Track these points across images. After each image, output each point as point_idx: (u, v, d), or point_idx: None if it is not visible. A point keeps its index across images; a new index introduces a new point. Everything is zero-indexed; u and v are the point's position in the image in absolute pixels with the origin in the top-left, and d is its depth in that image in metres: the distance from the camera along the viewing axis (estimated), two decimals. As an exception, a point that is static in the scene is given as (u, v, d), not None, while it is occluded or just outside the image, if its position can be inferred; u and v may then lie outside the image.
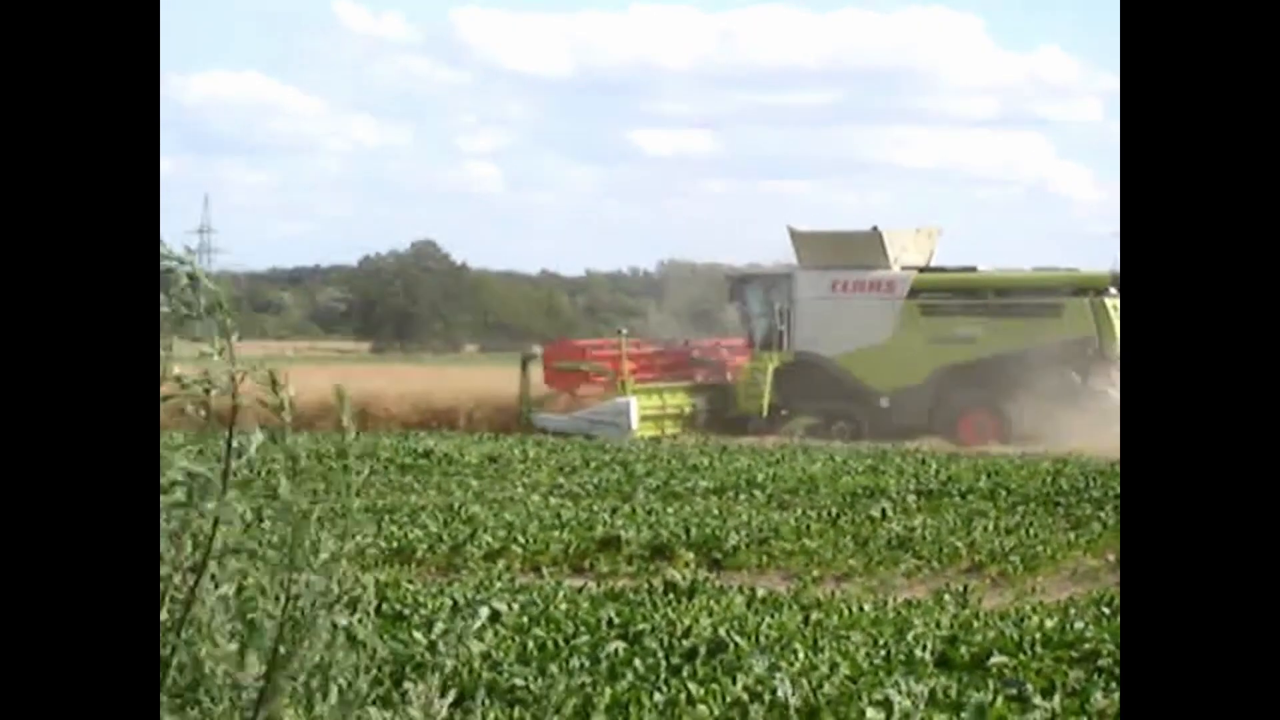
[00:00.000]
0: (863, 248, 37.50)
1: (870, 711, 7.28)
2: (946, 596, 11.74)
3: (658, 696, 7.59)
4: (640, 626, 9.44)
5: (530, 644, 8.85)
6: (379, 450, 24.58)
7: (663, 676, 8.05)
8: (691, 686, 7.71)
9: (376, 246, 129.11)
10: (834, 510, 17.29)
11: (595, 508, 17.49)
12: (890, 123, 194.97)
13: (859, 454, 25.81)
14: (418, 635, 8.70)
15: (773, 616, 10.15)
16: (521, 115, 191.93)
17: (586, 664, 8.35)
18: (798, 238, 38.11)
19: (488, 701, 7.45)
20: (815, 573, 13.55)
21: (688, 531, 15.10)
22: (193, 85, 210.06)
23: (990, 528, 15.87)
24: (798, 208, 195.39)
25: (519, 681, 7.78)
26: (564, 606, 10.33)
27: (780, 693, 7.49)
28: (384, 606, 9.89)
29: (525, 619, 9.75)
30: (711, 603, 10.91)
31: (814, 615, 10.30)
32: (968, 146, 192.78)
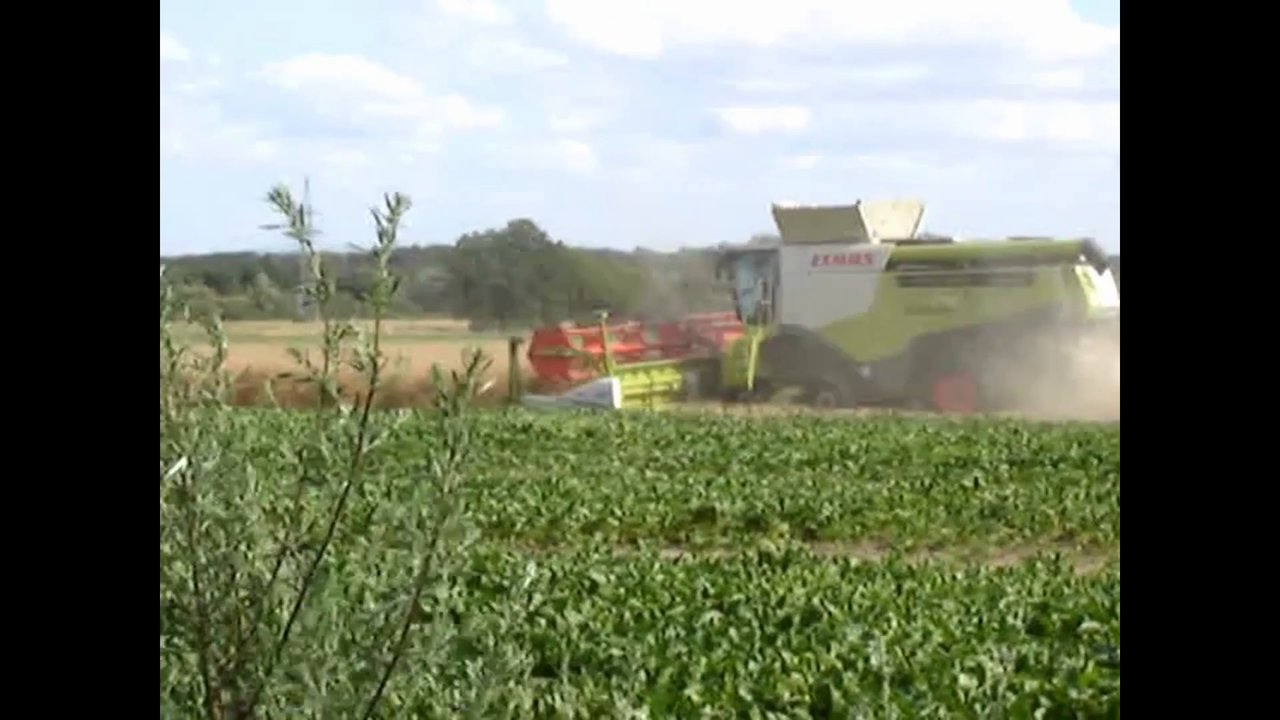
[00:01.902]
0: (842, 222, 38.88)
1: (963, 678, 7.40)
2: (1038, 564, 11.82)
3: (752, 666, 7.73)
4: (735, 597, 9.59)
5: (627, 614, 9.03)
6: (478, 426, 24.88)
7: (757, 646, 8.20)
8: (786, 655, 7.85)
9: (473, 226, 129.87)
10: (926, 480, 17.38)
11: (690, 480, 17.67)
12: (977, 97, 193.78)
13: (951, 425, 25.85)
14: (516, 607, 8.89)
15: (866, 586, 10.27)
16: (612, 94, 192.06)
17: (682, 634, 8.51)
18: (781, 214, 39.58)
19: (582, 671, 7.63)
20: (908, 542, 13.66)
21: (782, 503, 15.24)
22: (291, 69, 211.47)
23: (1081, 496, 15.92)
24: (888, 182, 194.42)
25: (615, 652, 7.96)
26: (660, 577, 10.49)
27: (873, 661, 7.63)
28: (483, 579, 10.10)
29: (622, 590, 9.92)
30: (805, 573, 11.05)
31: (907, 584, 10.42)
32: (1054, 119, 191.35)
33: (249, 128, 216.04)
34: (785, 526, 14.44)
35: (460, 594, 9.56)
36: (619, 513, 14.89)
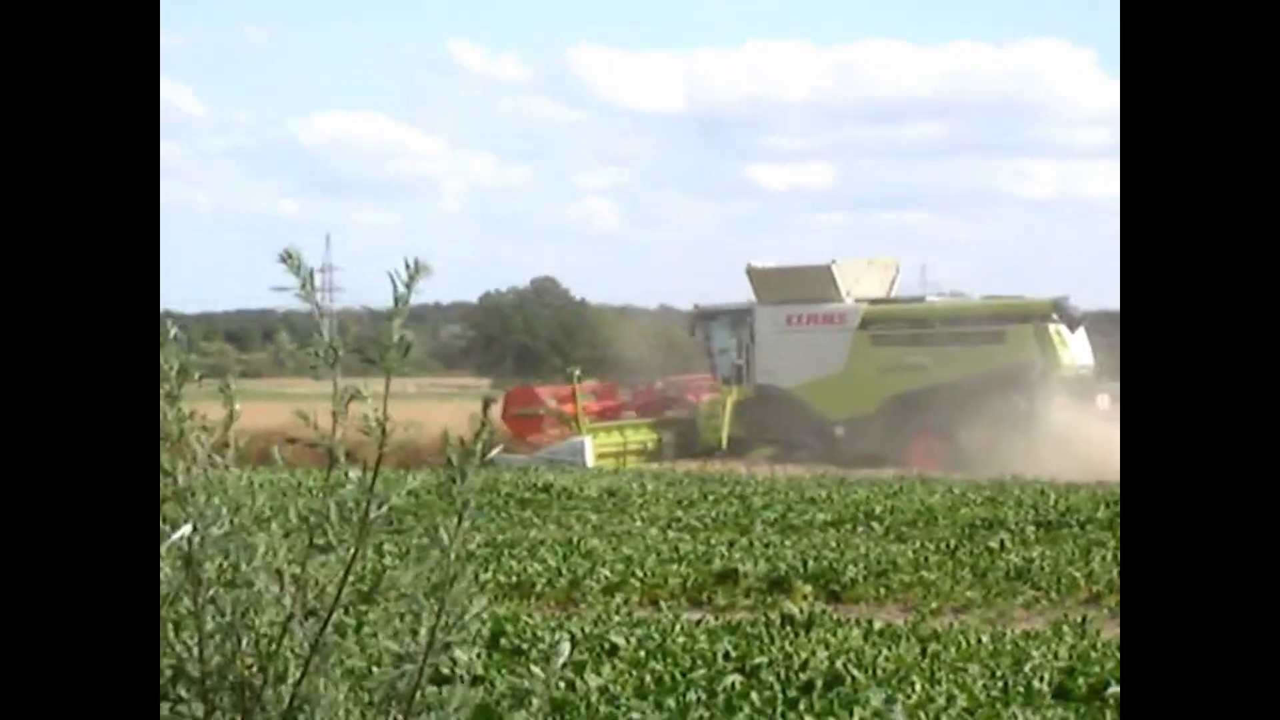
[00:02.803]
0: (815, 282, 39.37)
1: (987, 744, 7.29)
2: (1065, 627, 11.69)
3: (774, 730, 7.63)
4: (757, 660, 9.49)
5: (648, 678, 8.93)
6: (499, 485, 24.79)
7: (779, 710, 8.09)
8: None
9: (497, 283, 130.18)
10: (952, 542, 17.24)
11: (713, 541, 17.54)
12: (1006, 154, 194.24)
13: (977, 486, 25.69)
14: (536, 670, 8.79)
15: (890, 649, 10.16)
16: (638, 152, 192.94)
17: (703, 697, 8.41)
18: (754, 274, 40.18)
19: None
20: (933, 605, 13.53)
21: (805, 564, 15.12)
22: (314, 126, 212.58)
23: (1109, 558, 15.76)
24: (916, 240, 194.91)
25: (635, 716, 7.86)
26: (681, 640, 10.39)
27: (896, 725, 7.53)
28: (502, 641, 10.00)
29: (643, 653, 9.82)
30: (829, 635, 10.93)
31: (931, 647, 10.31)
32: (1083, 177, 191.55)
33: (271, 184, 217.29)
34: (808, 588, 14.31)
35: (480, 656, 9.47)
36: (640, 574, 14.78)
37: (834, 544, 17.25)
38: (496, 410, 39.20)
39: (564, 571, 14.87)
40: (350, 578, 3.93)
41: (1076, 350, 36.99)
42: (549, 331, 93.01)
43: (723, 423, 38.58)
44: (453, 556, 3.84)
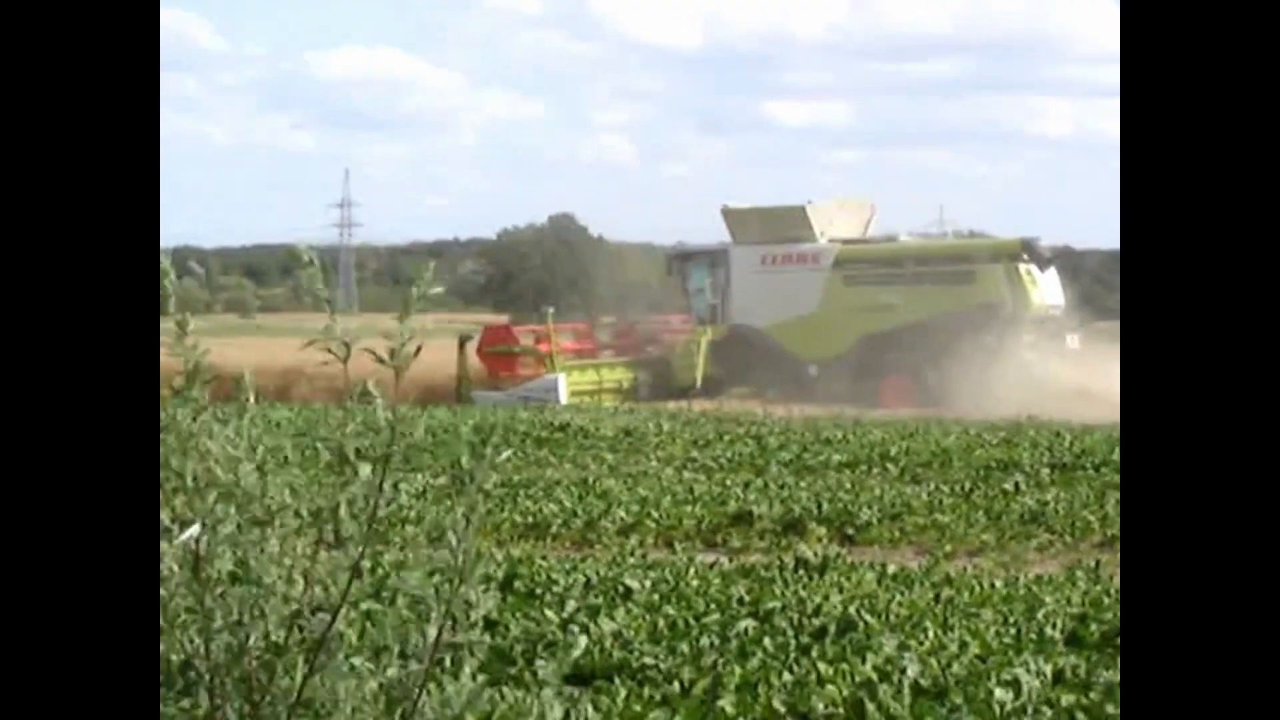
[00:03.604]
0: (789, 222, 39.76)
1: (998, 692, 7.31)
2: (1078, 572, 11.70)
3: (786, 676, 7.65)
4: (770, 604, 9.50)
5: (661, 622, 8.95)
6: (515, 424, 24.84)
7: (792, 656, 8.11)
8: (821, 666, 7.77)
9: (513, 219, 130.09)
10: (967, 484, 17.26)
11: (728, 482, 17.58)
12: (1022, 91, 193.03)
13: (993, 427, 25.69)
14: (549, 614, 8.84)
15: (903, 594, 10.18)
16: (653, 87, 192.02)
17: (716, 642, 8.43)
18: (729, 215, 40.72)
19: (615, 681, 7.56)
20: (947, 548, 13.55)
21: (820, 506, 15.15)
22: (330, 61, 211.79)
23: (1125, 502, 15.77)
24: (934, 177, 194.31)
25: (649, 661, 7.89)
26: (695, 583, 10.41)
27: (909, 673, 7.55)
28: (516, 584, 10.03)
29: (656, 596, 9.85)
30: (842, 579, 10.96)
31: (945, 592, 10.32)
32: (1103, 114, 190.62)
33: (286, 118, 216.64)
34: (823, 531, 14.35)
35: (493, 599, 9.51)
36: (656, 515, 14.82)
37: (849, 485, 17.28)
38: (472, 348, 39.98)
39: (579, 512, 14.92)
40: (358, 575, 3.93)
41: (1047, 290, 37.29)
42: (567, 268, 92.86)
43: (698, 362, 38.89)
44: (459, 559, 3.84)
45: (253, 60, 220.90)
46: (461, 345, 39.42)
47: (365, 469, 3.83)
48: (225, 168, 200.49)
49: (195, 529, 3.85)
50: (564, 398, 37.11)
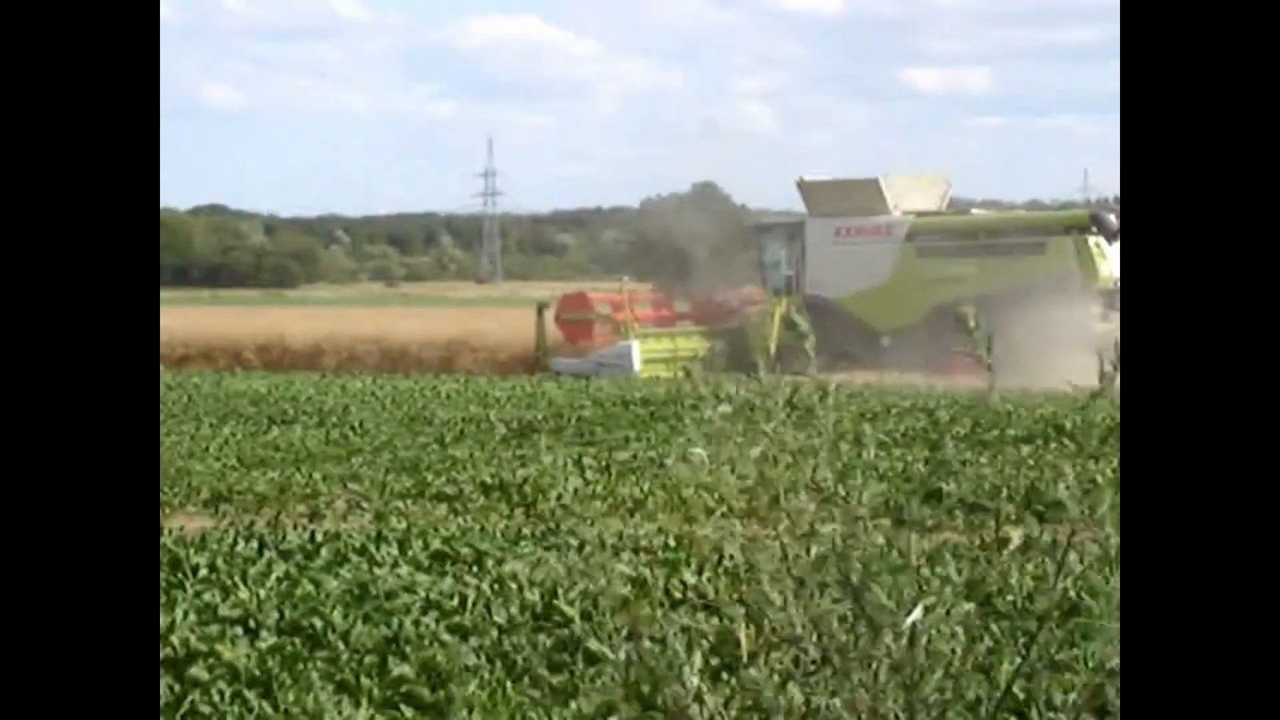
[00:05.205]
0: (864, 195, 40.33)
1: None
2: None
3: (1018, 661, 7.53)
4: (988, 587, 9.36)
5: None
6: (682, 396, 24.80)
7: (1020, 642, 7.98)
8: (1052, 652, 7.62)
9: (653, 187, 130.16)
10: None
11: (909, 457, 17.45)
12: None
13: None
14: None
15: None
16: (793, 55, 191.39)
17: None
18: (805, 187, 41.41)
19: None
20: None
21: (1008, 483, 14.94)
22: (472, 29, 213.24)
23: None
24: (1074, 143, 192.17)
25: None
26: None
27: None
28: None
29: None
30: (1045, 559, 10.77)
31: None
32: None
33: (428, 87, 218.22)
34: (1010, 508, 14.14)
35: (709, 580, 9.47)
36: (842, 491, 14.68)
37: (1032, 462, 17.07)
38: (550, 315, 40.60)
39: (761, 490, 14.81)
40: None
41: (1115, 262, 37.29)
42: (710, 237, 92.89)
43: (772, 333, 39.24)
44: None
45: (394, 29, 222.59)
46: (540, 312, 40.10)
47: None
48: (366, 136, 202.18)
49: None
50: (637, 366, 37.85)
